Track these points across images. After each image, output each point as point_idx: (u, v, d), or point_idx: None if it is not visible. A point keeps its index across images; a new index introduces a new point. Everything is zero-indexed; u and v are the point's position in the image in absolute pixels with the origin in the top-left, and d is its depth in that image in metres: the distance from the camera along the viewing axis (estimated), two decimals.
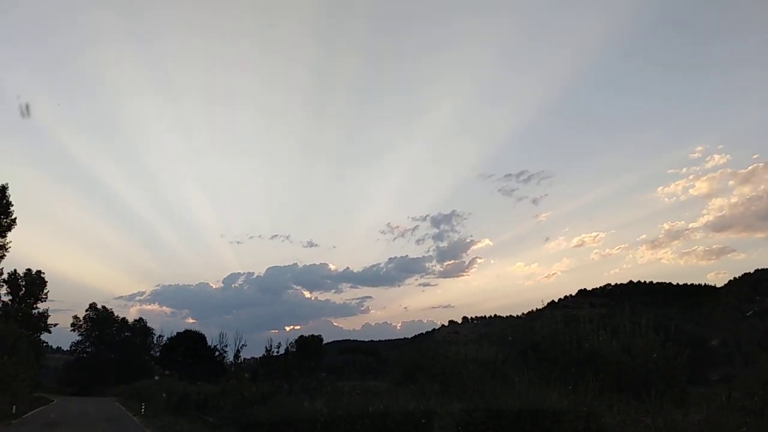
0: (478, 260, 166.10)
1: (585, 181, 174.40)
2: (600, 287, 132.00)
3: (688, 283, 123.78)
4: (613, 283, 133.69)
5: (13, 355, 28.93)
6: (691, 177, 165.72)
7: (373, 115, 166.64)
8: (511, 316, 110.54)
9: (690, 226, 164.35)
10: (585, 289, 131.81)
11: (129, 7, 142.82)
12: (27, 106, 61.08)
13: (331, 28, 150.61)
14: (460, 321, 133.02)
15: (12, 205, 38.58)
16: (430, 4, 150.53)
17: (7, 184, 38.42)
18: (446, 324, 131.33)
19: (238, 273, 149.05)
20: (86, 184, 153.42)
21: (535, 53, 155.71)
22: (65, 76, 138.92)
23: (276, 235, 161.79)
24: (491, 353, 17.20)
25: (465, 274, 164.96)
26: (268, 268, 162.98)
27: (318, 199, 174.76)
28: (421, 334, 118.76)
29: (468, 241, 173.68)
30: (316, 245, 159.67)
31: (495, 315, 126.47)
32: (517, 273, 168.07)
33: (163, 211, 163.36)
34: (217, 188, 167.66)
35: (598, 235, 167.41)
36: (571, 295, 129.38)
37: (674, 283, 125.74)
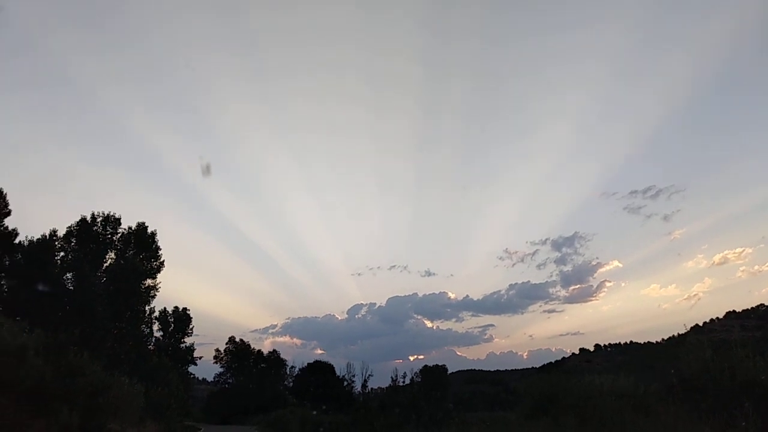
0: (607, 283, 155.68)
1: (722, 192, 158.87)
2: (752, 308, 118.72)
3: None
4: (767, 304, 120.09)
5: (166, 387, 31.71)
6: None
7: (486, 137, 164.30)
8: (649, 342, 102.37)
9: None
10: (734, 311, 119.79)
11: (243, 47, 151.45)
12: (208, 166, 66.60)
13: (438, 52, 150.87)
14: (592, 348, 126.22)
15: (161, 249, 42.63)
16: (540, 20, 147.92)
17: (155, 230, 42.64)
18: (577, 352, 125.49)
19: (361, 304, 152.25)
20: (220, 226, 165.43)
21: (654, 62, 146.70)
22: (184, 116, 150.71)
23: (394, 266, 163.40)
24: (630, 383, 16.03)
25: (593, 298, 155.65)
26: (389, 299, 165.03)
27: (433, 227, 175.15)
28: (550, 363, 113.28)
29: (594, 263, 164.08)
30: (434, 274, 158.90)
31: (630, 341, 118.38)
32: (652, 296, 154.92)
33: (289, 247, 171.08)
34: (337, 221, 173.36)
35: (744, 250, 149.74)
36: (717, 317, 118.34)
37: None
